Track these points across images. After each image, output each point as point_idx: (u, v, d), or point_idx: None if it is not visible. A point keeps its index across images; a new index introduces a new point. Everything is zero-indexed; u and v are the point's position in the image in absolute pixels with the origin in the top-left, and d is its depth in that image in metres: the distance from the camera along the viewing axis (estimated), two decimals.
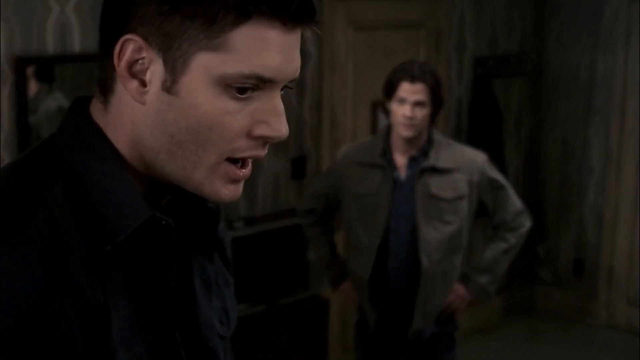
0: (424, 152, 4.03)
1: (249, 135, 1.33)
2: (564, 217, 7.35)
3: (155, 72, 1.31)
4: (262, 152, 1.36)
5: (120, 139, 1.37)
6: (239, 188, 1.38)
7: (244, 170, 1.36)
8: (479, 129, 6.57)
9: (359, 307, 4.24)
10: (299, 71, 1.36)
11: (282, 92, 1.35)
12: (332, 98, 5.72)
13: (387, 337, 4.17)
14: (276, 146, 5.40)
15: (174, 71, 1.30)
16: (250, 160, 1.36)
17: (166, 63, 1.30)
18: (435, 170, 4.01)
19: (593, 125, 7.17)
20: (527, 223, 4.23)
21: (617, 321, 7.20)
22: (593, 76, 7.13)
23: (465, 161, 4.08)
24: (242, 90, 1.30)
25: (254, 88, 1.30)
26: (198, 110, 1.29)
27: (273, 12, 1.28)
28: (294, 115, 5.48)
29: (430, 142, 4.06)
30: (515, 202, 4.20)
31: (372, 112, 5.93)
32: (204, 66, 1.28)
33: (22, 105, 4.29)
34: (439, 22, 6.34)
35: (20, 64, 4.26)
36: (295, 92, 5.48)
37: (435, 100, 3.99)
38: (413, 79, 3.93)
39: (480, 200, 4.12)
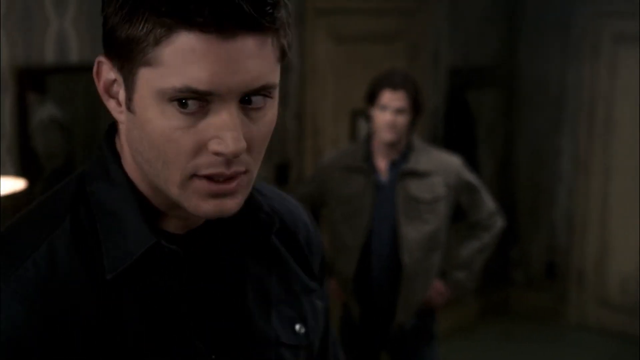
0: (404, 157, 4.21)
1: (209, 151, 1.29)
2: (536, 221, 7.55)
3: (121, 91, 1.32)
4: (224, 169, 1.28)
5: (127, 161, 1.39)
6: (227, 202, 1.31)
7: (225, 185, 1.30)
8: (454, 137, 6.77)
9: (344, 303, 4.43)
10: (256, 81, 1.26)
11: (264, 102, 1.30)
12: (314, 107, 5.91)
13: (370, 331, 4.35)
14: None
15: (128, 89, 1.29)
16: (239, 173, 1.30)
17: (124, 81, 1.30)
18: (414, 174, 4.19)
19: (563, 134, 7.38)
20: (500, 223, 4.43)
21: (588, 322, 7.39)
22: (562, 87, 7.33)
23: (443, 165, 4.27)
24: (183, 105, 1.25)
25: (202, 103, 1.25)
26: (151, 127, 1.27)
27: (192, 23, 1.21)
28: (277, 123, 5.71)
29: (409, 147, 4.23)
30: (489, 203, 4.40)
31: (352, 121, 6.13)
32: (146, 81, 1.26)
33: (23, 114, 4.50)
34: (416, 35, 6.53)
35: (21, 74, 4.47)
36: (278, 101, 5.70)
37: (416, 107, 4.16)
38: (394, 87, 4.11)
39: (457, 201, 4.34)
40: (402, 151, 4.23)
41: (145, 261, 1.35)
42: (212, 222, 1.43)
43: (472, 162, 6.64)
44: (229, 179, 1.29)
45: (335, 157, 4.48)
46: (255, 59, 1.25)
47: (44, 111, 4.61)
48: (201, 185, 1.29)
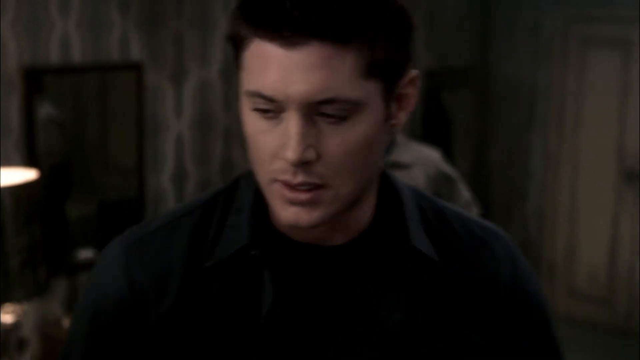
0: (387, 150, 4.48)
1: None
2: (508, 217, 7.77)
3: None
4: (291, 178, 1.26)
5: None
6: (303, 213, 1.28)
7: (298, 194, 1.27)
8: (431, 136, 6.96)
9: None
10: (320, 93, 1.21)
11: (345, 115, 1.24)
12: None
13: None
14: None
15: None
16: (313, 184, 1.26)
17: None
18: (397, 166, 4.46)
19: (533, 132, 7.62)
20: (475, 211, 4.69)
21: (559, 312, 7.56)
22: (533, 88, 7.58)
23: (423, 158, 4.56)
24: (263, 110, 1.25)
25: (275, 108, 1.24)
26: (245, 128, 1.29)
27: (262, 31, 1.22)
28: None
29: (393, 141, 4.51)
30: (465, 193, 4.68)
31: None
32: (240, 83, 1.28)
33: (29, 111, 4.78)
34: None
35: (28, 73, 4.75)
36: None
37: None
38: None
39: (436, 192, 4.63)
40: (385, 145, 4.50)
41: (238, 262, 1.36)
42: (357, 244, 1.39)
43: (447, 159, 6.92)
44: (306, 189, 1.26)
45: None
46: (321, 70, 1.21)
47: (46, 109, 4.88)
48: (279, 190, 1.28)
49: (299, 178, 1.25)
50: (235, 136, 5.79)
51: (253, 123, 1.27)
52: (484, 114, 7.87)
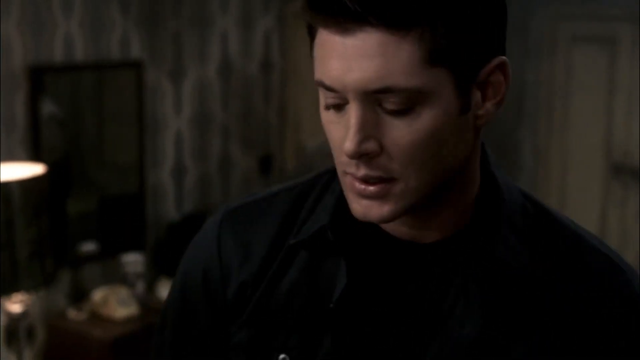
0: None
1: None
2: None
3: None
4: (355, 170, 1.21)
5: None
6: (374, 206, 1.22)
7: (365, 185, 1.21)
8: None
9: None
10: (375, 82, 1.15)
11: (407, 106, 1.16)
12: (295, 103, 6.30)
13: None
14: (245, 146, 6.05)
15: None
16: (378, 177, 1.21)
17: None
18: None
19: (523, 128, 7.73)
20: None
21: None
22: (523, 85, 7.67)
23: None
24: (332, 105, 1.21)
25: (339, 99, 1.19)
26: (322, 121, 1.25)
27: (321, 19, 1.17)
28: (261, 118, 6.14)
29: None
30: None
31: None
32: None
33: (34, 108, 4.92)
34: None
35: (33, 72, 4.90)
36: (262, 97, 6.13)
37: None
38: None
39: None
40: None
41: (318, 243, 1.33)
42: (445, 244, 1.31)
43: None
44: (374, 182, 1.21)
45: (320, 145, 4.91)
46: (376, 57, 1.14)
47: (49, 106, 5.03)
48: (350, 182, 1.23)
49: (362, 171, 1.20)
50: (233, 133, 5.94)
51: (325, 115, 1.23)
52: None
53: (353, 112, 1.18)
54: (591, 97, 7.33)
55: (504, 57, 1.24)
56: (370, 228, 1.32)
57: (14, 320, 4.24)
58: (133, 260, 5.20)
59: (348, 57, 1.15)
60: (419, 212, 1.27)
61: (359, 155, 1.18)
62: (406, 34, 1.13)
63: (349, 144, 1.17)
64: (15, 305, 4.19)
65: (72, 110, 5.28)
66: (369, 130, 1.18)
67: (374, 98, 1.17)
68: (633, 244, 7.10)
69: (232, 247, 1.39)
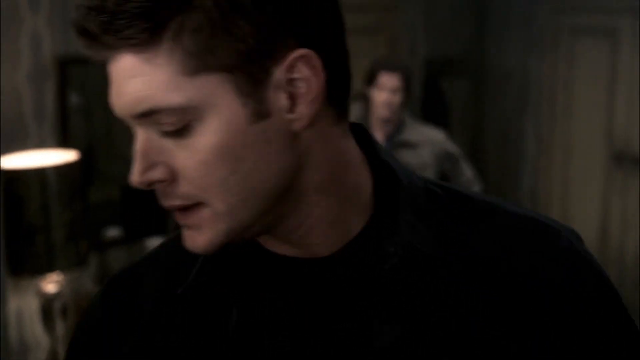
0: (398, 130, 4.86)
1: None
2: (503, 197, 7.83)
3: None
4: (162, 201, 1.12)
5: None
6: (195, 236, 1.11)
7: (183, 217, 1.11)
8: (430, 122, 7.25)
9: None
10: (138, 104, 1.04)
11: (183, 125, 1.04)
12: None
13: None
14: None
15: None
16: (187, 205, 1.10)
17: None
18: (405, 144, 4.82)
19: (527, 117, 7.88)
20: (477, 188, 5.01)
21: None
22: (526, 75, 7.83)
23: (430, 137, 4.89)
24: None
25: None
26: None
27: (83, 42, 1.11)
28: None
29: (402, 122, 4.88)
30: (467, 171, 5.00)
31: None
32: None
33: (63, 98, 5.12)
34: (395, 29, 7.09)
35: (61, 63, 5.08)
36: None
37: (407, 88, 4.81)
38: (391, 69, 4.74)
39: (441, 169, 4.98)
40: (396, 125, 4.85)
41: (202, 287, 1.20)
42: (341, 254, 1.16)
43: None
44: (183, 211, 1.10)
45: None
46: (134, 79, 1.04)
47: (75, 97, 5.22)
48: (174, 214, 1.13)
49: (165, 202, 1.11)
50: None
51: None
52: (479, 100, 8.10)
53: (136, 139, 1.09)
54: (593, 88, 7.46)
55: (305, 50, 1.06)
56: (255, 252, 1.18)
57: (49, 300, 4.42)
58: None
59: (116, 83, 1.07)
60: (285, 230, 1.13)
61: (148, 185, 1.09)
62: (156, 49, 1.02)
63: (132, 174, 1.09)
64: (50, 285, 4.37)
65: (97, 100, 5.49)
66: (153, 157, 1.08)
67: (151, 122, 1.06)
68: (634, 232, 7.24)
69: (117, 316, 1.25)
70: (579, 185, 7.71)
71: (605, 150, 7.51)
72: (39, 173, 4.24)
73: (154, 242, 5.39)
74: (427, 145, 4.87)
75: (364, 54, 6.74)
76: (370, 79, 4.82)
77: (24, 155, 4.48)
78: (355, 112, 6.24)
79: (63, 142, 5.06)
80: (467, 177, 5.03)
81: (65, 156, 4.46)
